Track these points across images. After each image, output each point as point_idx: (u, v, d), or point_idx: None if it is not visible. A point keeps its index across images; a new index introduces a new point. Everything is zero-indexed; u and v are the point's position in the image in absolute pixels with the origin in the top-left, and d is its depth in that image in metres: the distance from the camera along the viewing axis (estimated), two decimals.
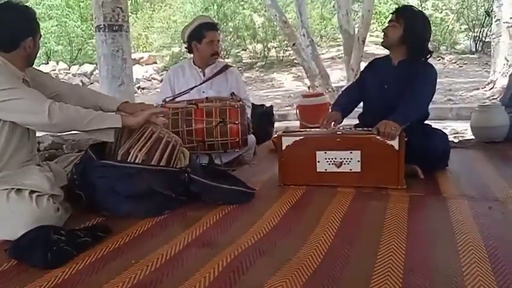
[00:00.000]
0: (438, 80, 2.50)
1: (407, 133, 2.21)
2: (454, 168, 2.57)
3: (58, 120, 1.80)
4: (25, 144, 1.94)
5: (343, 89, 3.96)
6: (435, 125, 2.65)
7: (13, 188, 1.77)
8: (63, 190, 1.93)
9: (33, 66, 2.07)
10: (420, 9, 3.09)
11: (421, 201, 2.06)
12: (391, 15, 2.55)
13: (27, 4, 2.09)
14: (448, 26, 12.22)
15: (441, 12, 12.47)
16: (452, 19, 12.35)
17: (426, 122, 2.60)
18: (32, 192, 1.77)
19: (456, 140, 3.53)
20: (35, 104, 1.79)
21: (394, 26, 2.46)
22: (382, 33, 2.55)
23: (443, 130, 2.67)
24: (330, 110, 2.73)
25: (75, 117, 1.84)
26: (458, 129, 4.75)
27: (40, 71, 2.25)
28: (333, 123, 2.51)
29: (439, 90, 2.57)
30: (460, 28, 12.45)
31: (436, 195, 2.14)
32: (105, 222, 1.88)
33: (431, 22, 2.66)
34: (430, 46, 2.52)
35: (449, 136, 2.75)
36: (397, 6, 3.60)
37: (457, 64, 10.90)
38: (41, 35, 1.99)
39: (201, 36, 2.95)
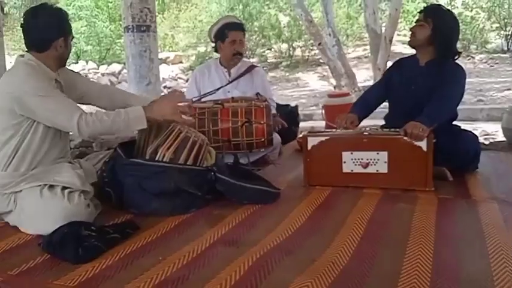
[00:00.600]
0: (468, 80, 2.45)
1: (435, 134, 2.17)
2: (484, 171, 2.51)
3: (86, 135, 1.92)
4: (58, 142, 2.01)
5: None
6: (465, 126, 2.59)
7: (46, 185, 1.83)
8: (93, 187, 1.99)
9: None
10: (450, 7, 3.04)
11: (449, 204, 2.03)
12: (418, 14, 2.51)
13: (58, 5, 2.15)
14: (479, 24, 11.91)
15: (471, 10, 12.16)
16: (483, 17, 12.04)
17: (455, 122, 2.55)
18: (63, 188, 1.83)
19: (487, 142, 3.44)
20: (65, 119, 1.86)
21: (422, 26, 2.42)
22: (410, 33, 2.51)
23: (473, 131, 2.62)
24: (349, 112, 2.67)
25: (102, 129, 1.91)
26: (488, 131, 4.64)
27: (72, 71, 2.32)
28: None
29: (469, 90, 2.52)
30: (491, 27, 12.12)
31: (465, 198, 2.11)
32: (134, 220, 1.92)
33: (461, 20, 2.62)
34: (459, 45, 2.47)
35: (479, 138, 2.69)
36: (425, 4, 3.53)
37: (488, 64, 10.62)
38: (73, 37, 2.04)
39: (224, 36, 2.98)
